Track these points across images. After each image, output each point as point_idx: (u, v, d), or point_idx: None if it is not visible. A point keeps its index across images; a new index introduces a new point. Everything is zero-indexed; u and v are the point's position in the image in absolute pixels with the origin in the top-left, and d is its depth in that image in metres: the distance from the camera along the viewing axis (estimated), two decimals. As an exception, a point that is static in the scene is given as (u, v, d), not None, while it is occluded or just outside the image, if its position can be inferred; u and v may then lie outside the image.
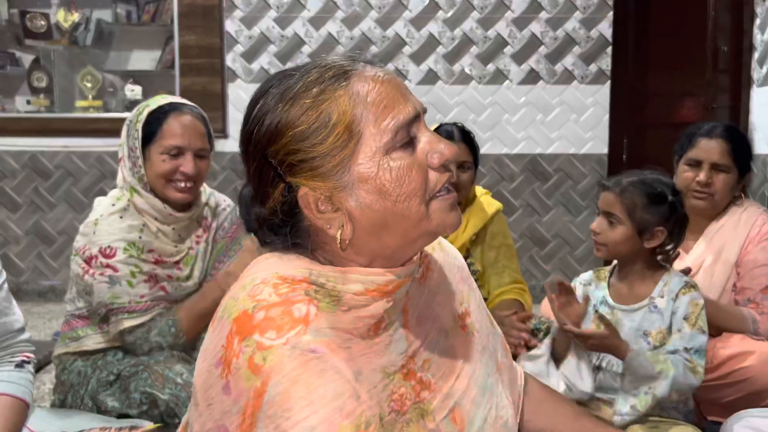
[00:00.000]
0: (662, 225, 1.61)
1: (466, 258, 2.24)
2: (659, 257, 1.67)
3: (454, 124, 2.13)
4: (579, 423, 1.11)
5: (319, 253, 0.87)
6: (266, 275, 0.83)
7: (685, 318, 1.58)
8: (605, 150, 3.68)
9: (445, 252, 1.05)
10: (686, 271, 1.82)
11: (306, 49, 3.61)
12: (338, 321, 0.81)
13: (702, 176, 1.95)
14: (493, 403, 0.95)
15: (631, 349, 1.52)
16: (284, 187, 0.83)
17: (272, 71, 3.52)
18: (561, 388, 1.62)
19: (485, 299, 2.26)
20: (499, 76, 3.62)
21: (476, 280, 2.23)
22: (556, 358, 1.64)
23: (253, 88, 0.90)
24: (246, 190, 0.89)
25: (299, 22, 3.58)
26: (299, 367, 0.76)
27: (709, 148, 1.96)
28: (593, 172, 3.68)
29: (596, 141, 3.68)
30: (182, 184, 1.71)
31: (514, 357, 1.86)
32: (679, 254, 1.90)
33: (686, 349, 1.54)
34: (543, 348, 1.69)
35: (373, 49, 3.57)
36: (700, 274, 1.99)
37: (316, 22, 3.58)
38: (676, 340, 1.56)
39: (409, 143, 0.83)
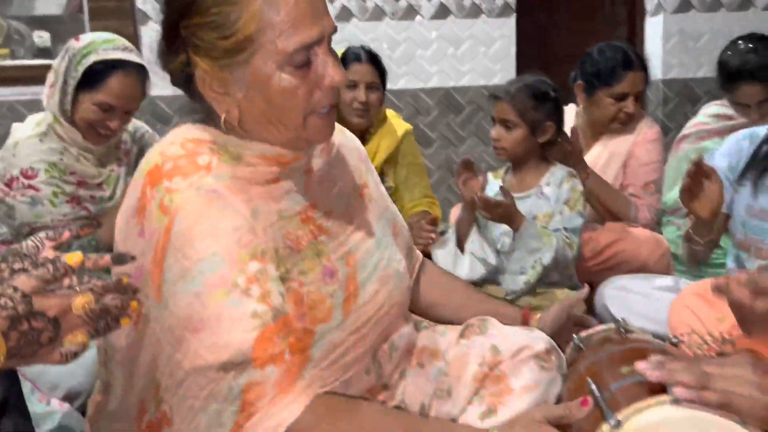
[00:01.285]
0: (550, 120, 1.82)
1: (380, 176, 2.39)
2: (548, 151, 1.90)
3: (362, 46, 2.26)
4: (469, 297, 1.29)
5: (220, 124, 0.97)
6: (175, 138, 0.95)
7: (566, 202, 1.80)
8: (513, 81, 3.87)
9: (345, 135, 1.19)
10: None
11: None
12: (238, 171, 0.94)
13: (631, 107, 2.15)
14: (385, 255, 1.10)
15: (524, 219, 1.73)
16: (185, 59, 0.94)
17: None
18: (471, 264, 1.82)
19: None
20: (410, 12, 3.73)
21: (390, 196, 2.43)
22: (460, 240, 1.85)
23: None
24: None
25: (210, -38, 3.57)
26: (202, 205, 0.88)
27: (635, 81, 2.14)
28: (503, 103, 3.87)
29: (504, 73, 3.86)
30: (104, 132, 1.76)
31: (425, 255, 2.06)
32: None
33: (565, 228, 1.77)
34: (449, 234, 1.90)
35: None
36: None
37: (227, -39, 3.58)
38: (557, 221, 1.79)
39: (306, 62, 0.92)
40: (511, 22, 3.79)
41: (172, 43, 0.94)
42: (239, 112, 0.94)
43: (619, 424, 0.88)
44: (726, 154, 1.77)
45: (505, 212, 1.73)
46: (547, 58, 4.15)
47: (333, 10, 3.67)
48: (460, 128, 3.92)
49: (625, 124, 2.20)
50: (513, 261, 1.76)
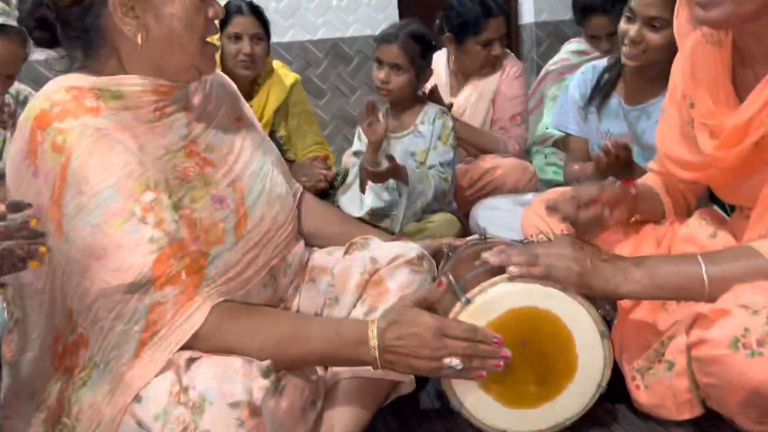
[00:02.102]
0: (430, 66, 2.00)
1: (272, 126, 2.49)
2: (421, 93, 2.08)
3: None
4: (345, 226, 1.43)
5: (101, 68, 1.07)
6: (56, 87, 1.02)
7: (439, 138, 1.99)
8: (398, 30, 4.01)
9: (218, 75, 1.29)
10: (449, 106, 2.25)
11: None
12: (123, 110, 1.03)
13: (498, 50, 2.37)
14: (268, 180, 1.22)
15: (406, 170, 1.92)
16: None
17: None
18: (373, 197, 2.00)
19: (293, 161, 2.56)
20: (292, -36, 3.77)
21: (283, 145, 2.55)
22: (363, 181, 2.02)
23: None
24: None
25: None
26: (93, 144, 0.97)
27: (497, 26, 2.35)
28: (390, 52, 4.02)
29: (389, 22, 3.97)
30: None
31: (322, 192, 2.21)
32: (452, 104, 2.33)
33: (440, 164, 1.97)
34: (351, 177, 2.06)
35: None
36: (467, 111, 2.44)
37: None
38: (432, 157, 1.98)
39: None
40: (391, -29, 3.92)
41: None
42: (147, 36, 1.05)
43: (468, 301, 1.08)
44: (576, 86, 2.01)
45: (393, 172, 1.90)
46: (427, 5, 4.31)
47: (214, -36, 3.64)
48: (351, 78, 4.04)
49: (495, 66, 2.42)
50: (406, 207, 1.94)
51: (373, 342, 1.04)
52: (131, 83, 1.06)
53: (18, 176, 1.02)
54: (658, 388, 1.15)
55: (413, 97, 2.05)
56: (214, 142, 1.16)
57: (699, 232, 1.28)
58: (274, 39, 2.44)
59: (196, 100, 1.17)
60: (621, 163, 1.63)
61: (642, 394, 1.18)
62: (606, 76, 1.93)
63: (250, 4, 2.31)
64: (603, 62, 1.99)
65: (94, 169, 0.97)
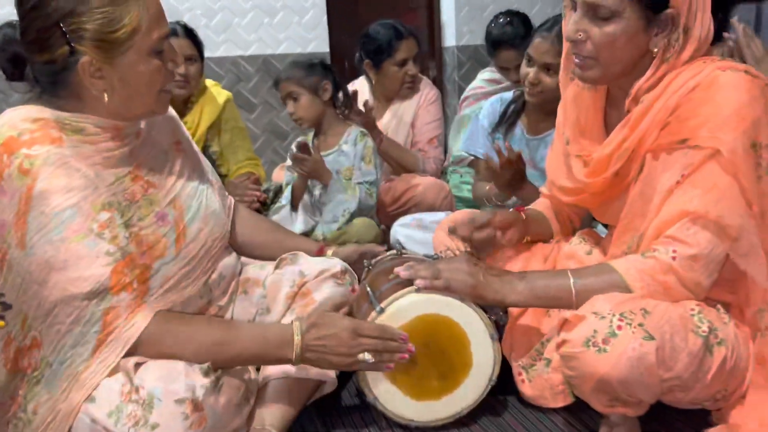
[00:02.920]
0: (324, 79, 2.20)
1: (205, 142, 2.62)
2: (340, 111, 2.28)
3: (177, 22, 2.44)
4: (274, 234, 1.60)
5: (65, 104, 1.19)
6: (21, 117, 1.14)
7: (362, 158, 2.19)
8: (327, 48, 4.19)
9: None
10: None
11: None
12: (83, 143, 1.17)
13: (413, 69, 2.60)
14: (203, 198, 1.36)
15: (331, 175, 2.11)
16: (68, 51, 1.13)
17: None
18: (303, 218, 2.18)
19: (226, 176, 2.69)
20: (224, -19, 3.89)
21: (216, 161, 2.68)
22: (295, 201, 2.21)
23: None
24: (7, 30, 1.18)
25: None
26: (57, 169, 1.11)
27: (409, 46, 2.59)
28: (319, 69, 4.18)
29: (319, 41, 4.17)
30: None
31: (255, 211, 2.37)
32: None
33: (366, 182, 2.16)
34: (284, 199, 2.23)
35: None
36: (389, 135, 2.64)
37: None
38: (357, 176, 2.17)
39: (161, 50, 1.19)
40: (321, -7, 4.10)
41: (51, 36, 1.12)
42: (112, 93, 1.17)
43: (382, 310, 1.27)
44: (486, 116, 2.25)
45: (313, 166, 2.09)
46: (356, 25, 4.50)
47: (146, -21, 3.70)
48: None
49: (413, 85, 2.64)
50: (326, 212, 2.13)
51: (297, 341, 1.21)
52: (91, 122, 1.19)
53: None
54: (538, 382, 1.37)
55: (332, 116, 2.26)
56: (155, 165, 1.30)
57: (578, 249, 1.51)
58: (206, 53, 2.57)
59: (141, 127, 1.31)
60: (516, 174, 1.88)
61: (526, 387, 1.40)
62: (512, 107, 2.18)
63: (184, 26, 2.43)
64: (510, 94, 2.23)
65: (56, 192, 1.10)
